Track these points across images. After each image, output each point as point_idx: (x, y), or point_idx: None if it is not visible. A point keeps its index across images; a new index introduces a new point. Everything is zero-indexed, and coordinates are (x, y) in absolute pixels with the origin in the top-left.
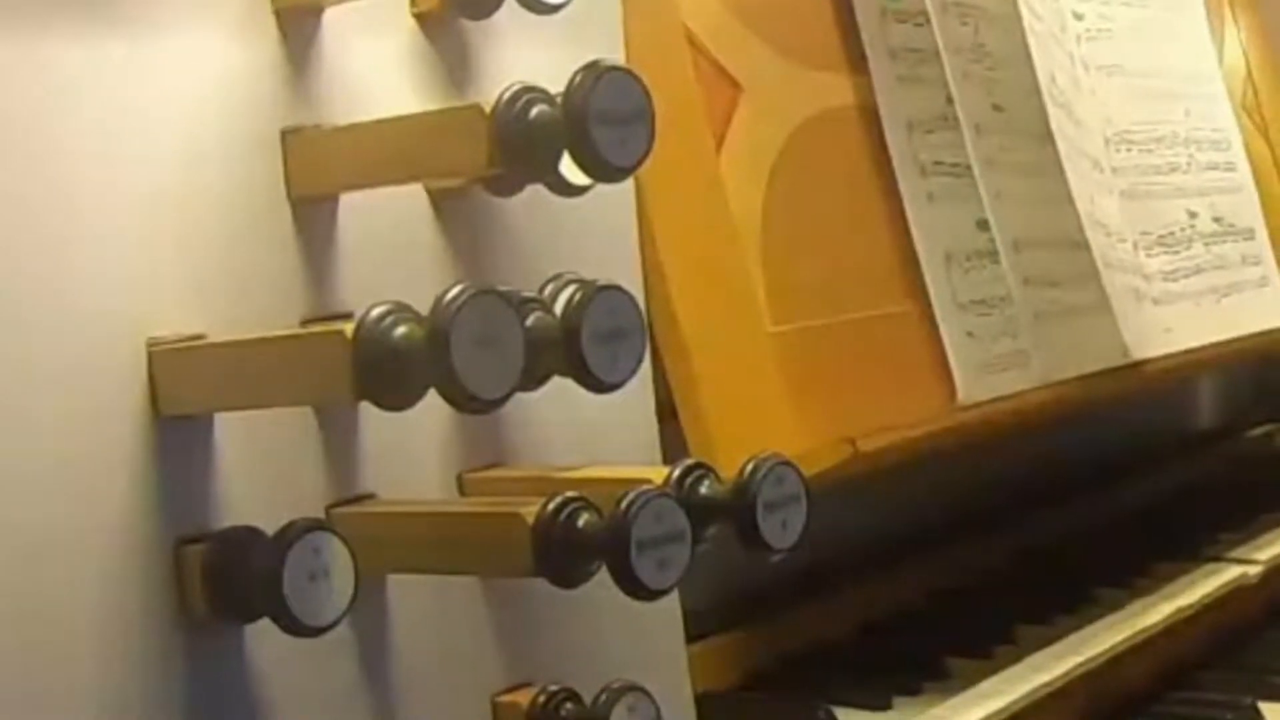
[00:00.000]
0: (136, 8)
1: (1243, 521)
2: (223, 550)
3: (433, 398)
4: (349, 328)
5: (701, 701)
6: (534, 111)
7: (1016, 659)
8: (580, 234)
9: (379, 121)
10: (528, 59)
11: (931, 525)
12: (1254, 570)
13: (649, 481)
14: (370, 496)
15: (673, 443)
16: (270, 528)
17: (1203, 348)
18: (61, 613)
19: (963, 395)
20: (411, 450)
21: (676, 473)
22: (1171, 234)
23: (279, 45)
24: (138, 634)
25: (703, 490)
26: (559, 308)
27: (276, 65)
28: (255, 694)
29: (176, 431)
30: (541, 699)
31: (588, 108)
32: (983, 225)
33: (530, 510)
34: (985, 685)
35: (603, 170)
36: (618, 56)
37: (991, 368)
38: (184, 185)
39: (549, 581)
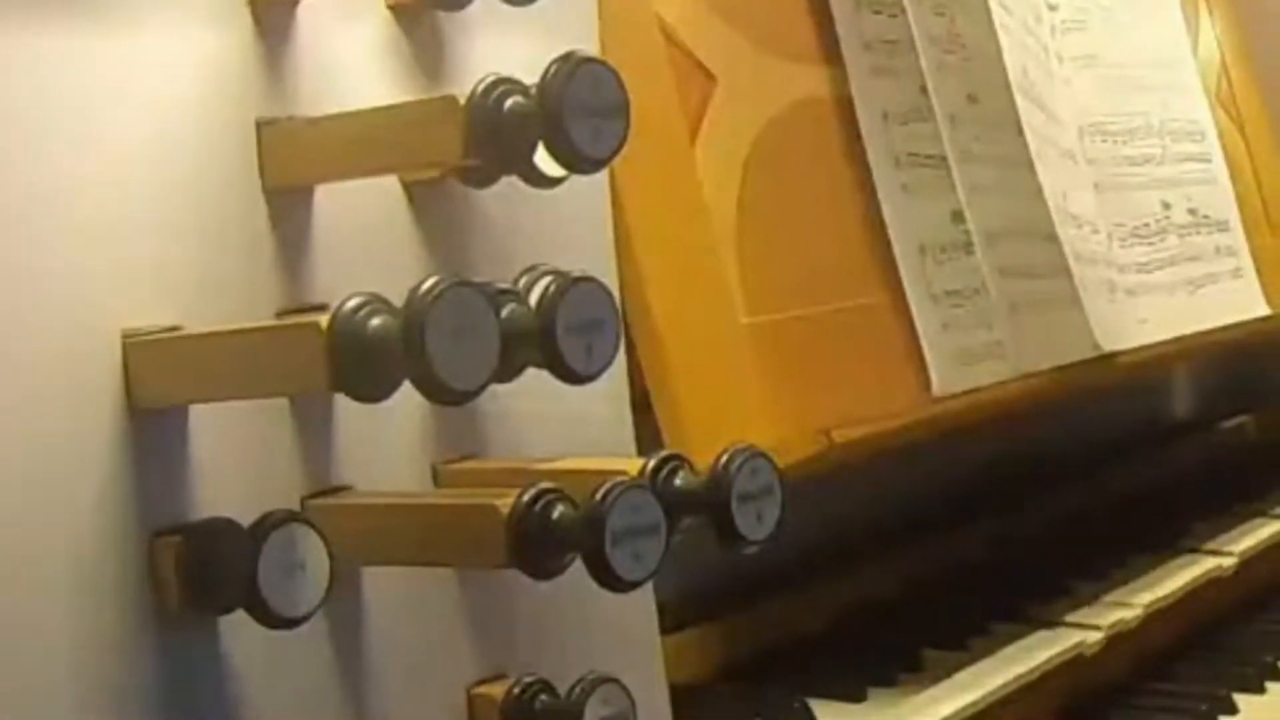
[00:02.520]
0: None
1: (1218, 513)
2: (198, 542)
3: (408, 389)
4: (324, 319)
5: (676, 693)
6: (509, 103)
7: (992, 651)
8: (555, 226)
9: (354, 113)
10: (502, 50)
11: (907, 517)
12: (1229, 562)
13: (624, 473)
14: (345, 488)
15: (647, 434)
16: (245, 520)
17: (1177, 339)
18: (35, 605)
19: (937, 387)
20: (387, 442)
21: (651, 464)
22: (1145, 225)
23: (253, 36)
24: (112, 626)
25: (677, 482)
26: (534, 299)
27: (251, 56)
28: (230, 686)
29: (151, 423)
30: (516, 690)
31: (562, 99)
32: (958, 217)
33: (505, 502)
34: (961, 677)
35: (577, 161)
36: (592, 48)
37: (966, 359)
38: (159, 176)
39: (524, 573)
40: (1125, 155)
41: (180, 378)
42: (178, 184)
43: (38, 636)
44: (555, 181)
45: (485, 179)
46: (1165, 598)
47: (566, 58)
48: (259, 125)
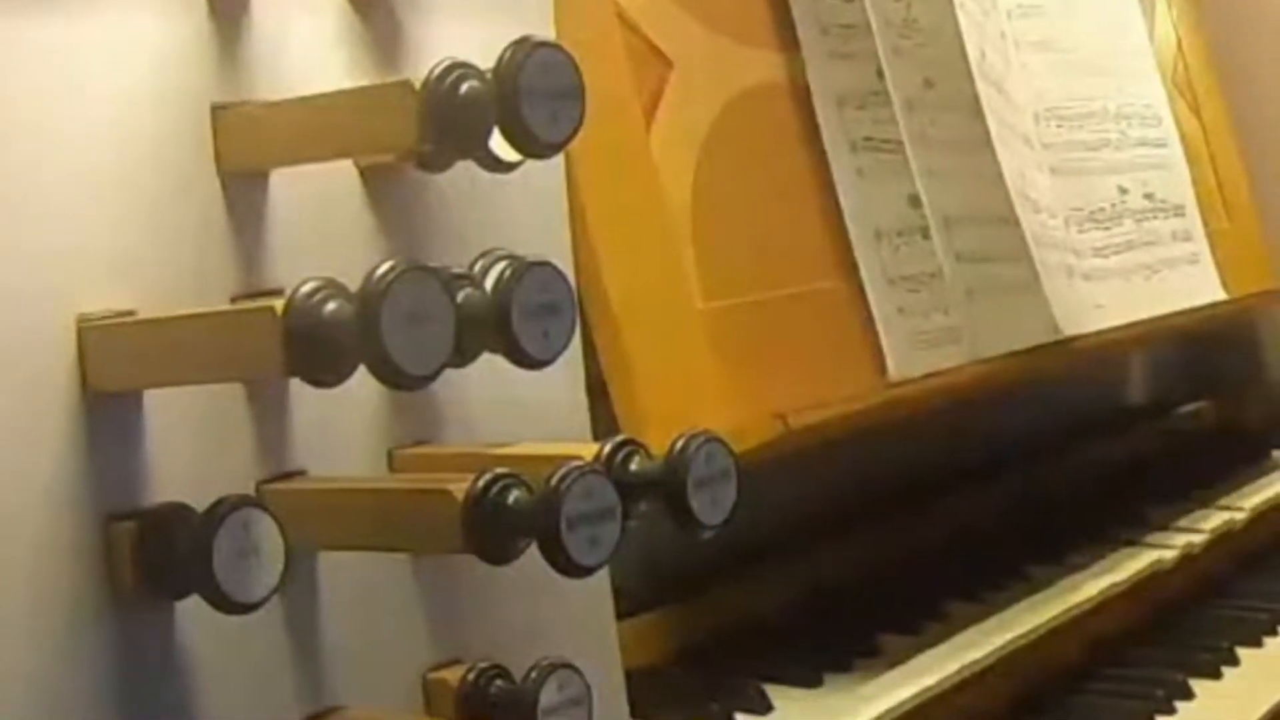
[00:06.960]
0: None
1: (1175, 498)
2: (152, 527)
3: (363, 374)
4: (279, 304)
5: (632, 678)
6: (464, 87)
7: (948, 636)
8: (511, 210)
9: (309, 98)
10: (458, 35)
11: (863, 501)
12: (1188, 546)
13: (579, 458)
14: (301, 473)
15: (603, 419)
16: (200, 504)
17: (1133, 324)
18: None
19: (893, 371)
20: (342, 427)
21: (607, 449)
22: (1102, 210)
23: (209, 20)
24: (67, 611)
25: (633, 467)
26: (489, 284)
27: (206, 41)
28: (185, 671)
29: (106, 408)
30: (471, 676)
31: (518, 83)
32: (914, 201)
33: (460, 487)
34: (917, 662)
35: (533, 146)
36: (548, 32)
37: (922, 344)
38: (114, 161)
39: (479, 558)
40: (1081, 140)
41: (135, 362)
42: (133, 169)
43: None
44: (511, 166)
45: (441, 164)
46: (1121, 583)
47: (522, 42)
48: (214, 110)
